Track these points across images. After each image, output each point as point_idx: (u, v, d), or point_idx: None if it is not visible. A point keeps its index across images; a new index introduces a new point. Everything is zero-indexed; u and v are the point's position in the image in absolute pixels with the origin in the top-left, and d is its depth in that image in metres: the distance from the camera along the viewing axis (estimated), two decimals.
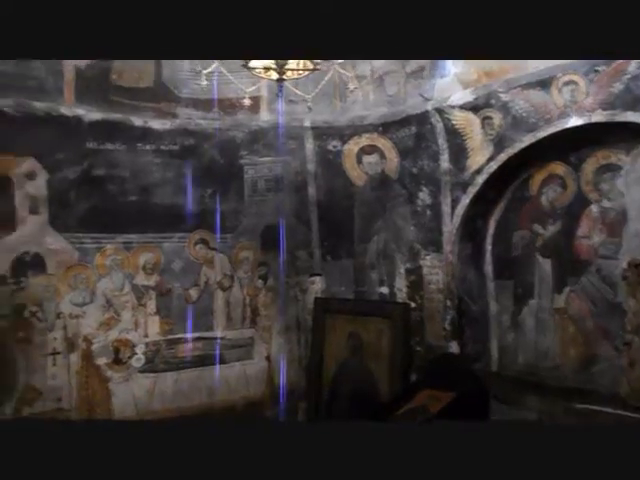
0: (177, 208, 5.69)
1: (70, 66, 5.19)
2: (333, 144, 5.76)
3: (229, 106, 5.67)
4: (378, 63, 5.36)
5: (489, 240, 5.40)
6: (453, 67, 4.84)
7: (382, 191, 5.68)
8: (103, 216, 5.40)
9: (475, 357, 5.32)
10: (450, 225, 5.18)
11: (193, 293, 5.81)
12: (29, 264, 5.02)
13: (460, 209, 5.09)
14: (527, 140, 4.53)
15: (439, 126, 4.98)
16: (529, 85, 4.36)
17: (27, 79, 5.00)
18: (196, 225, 5.81)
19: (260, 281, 6.14)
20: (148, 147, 5.49)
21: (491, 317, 5.41)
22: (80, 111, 5.15)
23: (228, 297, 5.98)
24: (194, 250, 5.82)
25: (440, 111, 4.94)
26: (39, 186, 5.10)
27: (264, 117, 5.73)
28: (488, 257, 5.41)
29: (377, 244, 5.85)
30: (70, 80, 5.19)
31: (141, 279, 5.60)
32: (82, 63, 5.26)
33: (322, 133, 5.73)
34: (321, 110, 5.51)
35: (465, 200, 5.05)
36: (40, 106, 4.97)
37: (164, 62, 5.64)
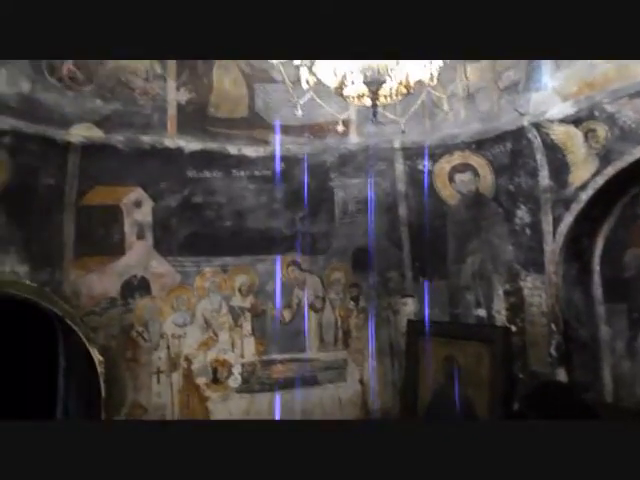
0: (270, 231, 5.85)
1: (173, 102, 5.56)
2: (423, 163, 5.67)
3: (319, 130, 5.78)
4: (470, 79, 5.23)
5: (597, 260, 5.03)
6: (550, 80, 4.61)
7: (477, 210, 5.49)
8: (202, 240, 5.67)
9: (585, 386, 4.92)
10: (552, 244, 4.88)
11: (286, 314, 5.92)
12: (136, 287, 5.38)
13: (563, 227, 4.79)
14: (638, 153, 4.19)
15: (537, 141, 4.75)
16: (638, 94, 4.05)
17: (135, 116, 5.42)
18: (288, 247, 5.94)
19: (352, 303, 6.14)
20: (242, 174, 5.72)
21: (602, 343, 5.00)
22: (181, 142, 5.48)
23: (320, 319, 6.03)
24: (287, 272, 5.94)
25: (538, 126, 4.71)
26: (145, 213, 5.47)
27: (353, 140, 5.78)
28: (596, 278, 5.03)
29: (472, 265, 5.64)
30: (173, 115, 5.56)
31: (237, 301, 5.79)
32: (183, 98, 5.62)
33: (412, 153, 5.67)
34: (410, 130, 5.46)
35: (569, 218, 4.74)
36: (146, 139, 5.35)
37: (257, 92, 5.89)
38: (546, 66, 4.65)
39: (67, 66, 5.20)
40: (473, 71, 5.19)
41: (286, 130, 5.77)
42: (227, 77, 5.94)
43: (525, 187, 4.98)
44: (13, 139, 4.73)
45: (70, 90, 5.17)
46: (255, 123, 5.84)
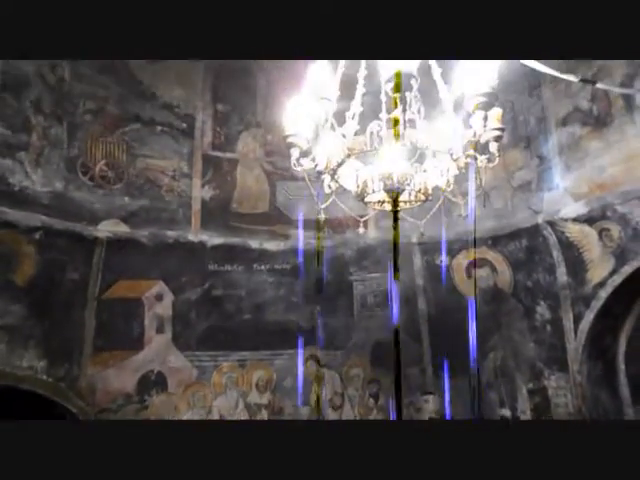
0: (289, 324, 5.85)
1: (198, 198, 5.81)
2: (441, 258, 5.74)
3: (338, 225, 5.94)
4: (484, 178, 5.40)
5: (621, 358, 4.92)
6: (562, 180, 4.77)
7: (496, 305, 5.47)
8: (220, 334, 5.68)
9: None
10: (574, 342, 4.81)
11: (304, 412, 5.76)
12: (153, 382, 5.32)
13: (585, 325, 4.74)
14: None
15: (552, 239, 4.82)
16: None
17: (161, 212, 5.64)
18: (307, 341, 5.90)
19: (371, 400, 5.98)
20: (263, 267, 5.83)
21: None
22: (204, 237, 5.65)
23: (339, 416, 5.86)
24: (305, 367, 5.86)
25: (552, 224, 4.81)
26: (165, 307, 5.54)
27: (371, 234, 5.90)
28: (622, 378, 4.89)
29: (494, 361, 5.53)
30: (197, 210, 5.79)
31: (254, 397, 5.68)
32: (207, 195, 5.87)
33: (430, 248, 5.76)
34: (427, 226, 5.56)
35: (589, 315, 4.71)
36: (171, 234, 5.53)
37: (278, 189, 6.14)
38: (557, 167, 4.82)
39: (99, 165, 5.51)
40: (487, 170, 5.37)
41: (306, 225, 5.93)
42: (250, 175, 6.23)
43: (543, 283, 5.00)
44: (43, 235, 4.92)
45: (101, 188, 5.45)
46: (276, 218, 6.04)
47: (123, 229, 5.39)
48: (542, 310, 5.06)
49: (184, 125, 6.05)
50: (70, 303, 5.12)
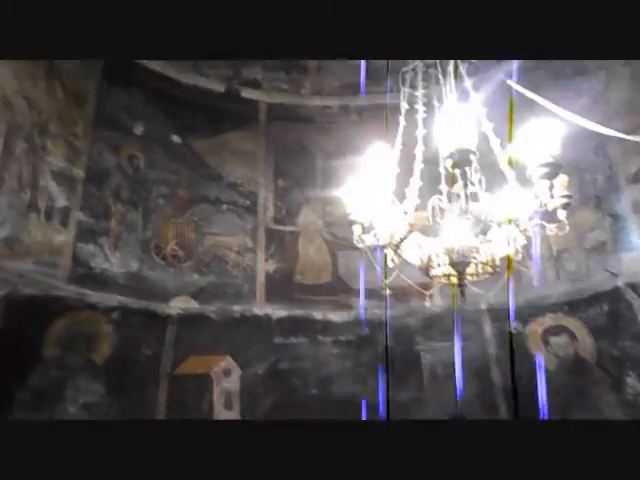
0: (355, 399, 5.69)
1: (262, 272, 5.95)
2: (513, 326, 5.49)
3: (402, 294, 5.84)
4: (554, 241, 5.23)
5: None
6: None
7: (578, 376, 5.11)
8: (286, 409, 5.59)
9: None
10: None
11: None
12: None
13: None
14: None
15: (636, 303, 4.53)
16: None
17: (228, 286, 5.81)
18: (375, 416, 5.70)
19: None
20: (328, 339, 5.78)
21: None
22: (269, 310, 5.73)
23: None
24: None
25: (635, 287, 4.53)
26: (233, 381, 5.56)
27: (437, 302, 5.76)
28: None
29: None
30: (262, 283, 5.91)
31: None
32: (271, 268, 6.01)
33: (500, 315, 5.54)
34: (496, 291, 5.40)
35: None
36: (237, 309, 5.65)
37: (340, 259, 6.18)
38: (633, 226, 4.60)
39: (171, 245, 5.80)
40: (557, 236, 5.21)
41: (370, 294, 5.89)
42: (311, 246, 6.34)
43: (632, 352, 4.64)
44: (120, 314, 5.16)
45: (172, 267, 5.71)
46: (339, 288, 6.05)
47: (193, 305, 5.58)
48: (633, 382, 4.67)
49: (247, 202, 6.32)
50: (144, 380, 5.26)
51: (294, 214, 6.41)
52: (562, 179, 2.89)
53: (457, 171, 2.85)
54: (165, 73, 6.37)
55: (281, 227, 6.30)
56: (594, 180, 5.07)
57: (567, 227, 3.02)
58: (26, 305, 4.57)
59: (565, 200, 2.88)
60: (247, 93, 6.79)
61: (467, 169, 2.84)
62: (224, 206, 6.19)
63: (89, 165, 5.53)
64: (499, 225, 3.07)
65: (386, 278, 3.56)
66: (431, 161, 3.19)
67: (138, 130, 6.11)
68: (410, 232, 3.07)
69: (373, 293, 5.87)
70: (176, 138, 6.34)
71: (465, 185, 2.79)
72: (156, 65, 6.30)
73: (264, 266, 6.04)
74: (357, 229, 3.22)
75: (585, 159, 5.09)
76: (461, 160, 2.72)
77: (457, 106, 2.98)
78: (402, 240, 3.15)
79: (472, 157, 2.76)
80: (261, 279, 5.95)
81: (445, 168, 2.93)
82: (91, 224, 5.34)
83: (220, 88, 6.69)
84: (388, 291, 3.36)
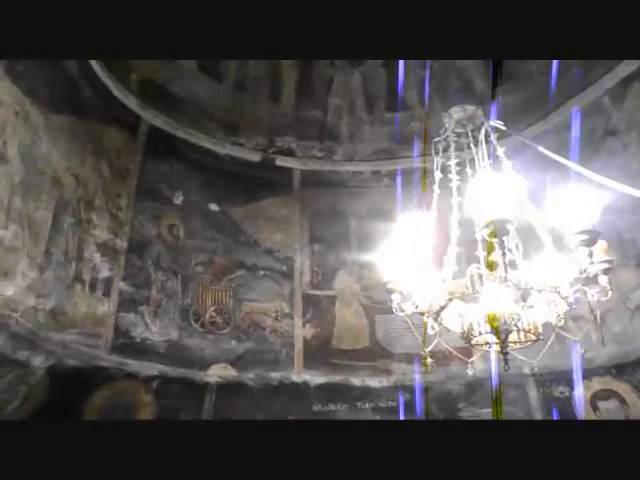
0: None
1: (299, 337, 5.95)
2: (560, 390, 5.29)
3: (442, 358, 5.73)
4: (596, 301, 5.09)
5: None
6: None
7: None
8: None
9: None
10: None
11: None
12: None
13: None
14: None
15: None
16: None
17: (266, 353, 5.81)
18: None
19: None
20: (367, 405, 5.66)
21: None
22: (307, 376, 5.68)
23: None
24: None
25: None
26: None
27: (478, 366, 5.61)
28: None
29: None
30: (299, 350, 5.90)
31: None
32: (308, 334, 6.00)
33: (545, 379, 5.35)
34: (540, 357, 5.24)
35: None
36: (275, 376, 5.62)
37: (377, 323, 6.14)
38: None
39: (209, 312, 5.89)
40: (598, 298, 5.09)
41: (408, 359, 5.80)
42: (348, 310, 6.34)
43: None
44: (160, 383, 5.20)
45: (210, 334, 5.77)
46: (377, 353, 5.98)
47: (231, 373, 5.58)
48: None
49: (284, 267, 6.42)
50: None
51: (330, 278, 6.46)
52: (601, 244, 2.87)
53: (494, 239, 2.87)
54: (203, 145, 6.70)
55: (318, 292, 6.34)
56: (634, 240, 4.99)
57: (609, 292, 2.98)
58: (70, 376, 4.67)
59: (606, 265, 2.86)
60: (281, 161, 7.05)
61: (504, 238, 2.85)
62: (261, 272, 6.29)
63: (131, 236, 5.76)
64: (539, 291, 3.04)
65: (425, 344, 3.53)
66: (467, 224, 3.23)
67: (178, 200, 6.37)
68: (450, 301, 3.06)
69: (412, 358, 5.78)
70: (214, 206, 6.57)
71: (503, 254, 2.79)
72: (195, 137, 6.64)
73: (301, 332, 6.04)
74: (396, 298, 3.24)
75: (623, 219, 5.04)
76: (498, 230, 2.74)
77: (491, 175, 3.04)
78: (442, 308, 3.15)
79: (509, 226, 2.78)
80: (299, 345, 5.94)
81: (482, 238, 2.95)
82: (132, 293, 5.49)
83: (255, 157, 6.97)
84: (430, 360, 3.32)
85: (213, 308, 5.89)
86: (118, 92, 5.87)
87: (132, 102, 6.06)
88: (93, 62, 5.50)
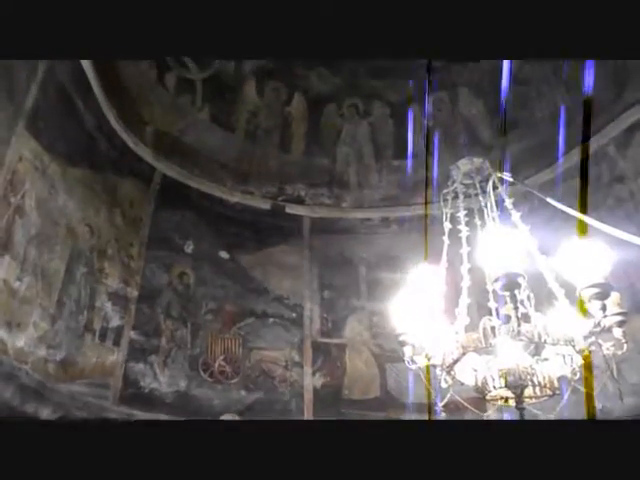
0: None
1: (309, 386, 5.87)
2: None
3: (454, 409, 5.60)
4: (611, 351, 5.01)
5: None
6: None
7: None
8: None
9: None
10: None
11: None
12: None
13: None
14: None
15: None
16: None
17: (275, 403, 5.73)
18: None
19: None
20: None
21: None
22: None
23: None
24: None
25: None
26: None
27: (493, 417, 5.49)
28: None
29: None
30: (309, 400, 5.81)
31: None
32: (318, 383, 5.92)
33: None
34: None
35: None
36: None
37: (388, 372, 6.06)
38: None
39: (218, 361, 5.85)
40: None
41: (420, 409, 5.68)
42: (359, 359, 6.27)
43: None
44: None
45: (219, 383, 5.71)
46: (388, 403, 5.87)
47: None
48: None
49: (294, 314, 6.40)
50: None
51: (340, 326, 6.42)
52: (614, 296, 2.85)
53: (506, 292, 2.87)
54: (214, 193, 6.81)
55: (327, 340, 6.29)
56: None
57: (625, 345, 2.95)
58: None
59: (619, 318, 2.83)
60: (291, 209, 7.14)
61: (516, 292, 2.86)
62: (270, 319, 6.27)
63: (142, 284, 5.80)
64: (554, 344, 3.02)
65: (429, 396, 3.47)
66: (477, 273, 3.23)
67: (189, 248, 6.44)
68: (463, 354, 3.04)
69: (424, 408, 5.67)
70: (224, 254, 6.62)
71: (515, 308, 2.79)
72: (206, 186, 6.77)
73: (311, 381, 5.96)
74: (408, 350, 3.22)
75: (633, 267, 5.01)
76: (509, 283, 2.74)
77: (499, 228, 3.07)
78: (455, 362, 3.12)
79: (520, 280, 2.79)
80: (308, 395, 5.86)
81: (494, 291, 2.96)
82: (142, 342, 5.48)
83: (266, 205, 7.07)
84: (442, 414, 3.27)
85: (222, 357, 5.85)
86: (133, 144, 6.03)
87: (147, 154, 6.22)
88: (111, 117, 5.68)
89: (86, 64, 5.21)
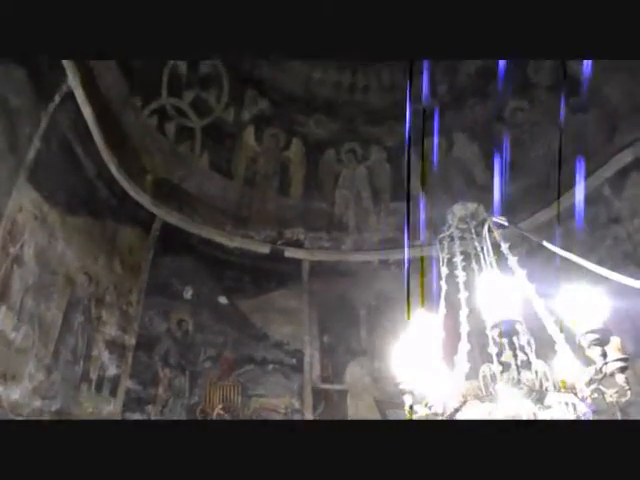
0: None
1: None
2: None
3: None
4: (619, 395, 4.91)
5: None
6: None
7: None
8: None
9: None
10: None
11: None
12: None
13: None
14: None
15: None
16: None
17: None
18: None
19: None
20: None
21: None
22: None
23: None
24: None
25: None
26: None
27: None
28: None
29: None
30: None
31: None
32: None
33: None
34: None
35: None
36: None
37: (390, 418, 5.91)
38: None
39: (217, 410, 5.74)
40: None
41: None
42: (361, 404, 6.14)
43: None
44: None
45: None
46: None
47: None
48: None
49: (294, 360, 6.31)
50: None
51: (341, 372, 6.32)
52: (614, 342, 2.82)
53: (505, 340, 2.84)
54: (213, 238, 6.84)
55: (328, 386, 6.18)
56: None
57: (628, 393, 2.89)
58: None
59: (620, 364, 2.79)
60: (290, 253, 7.15)
61: (514, 337, 2.83)
62: (270, 366, 6.18)
63: (140, 332, 5.75)
64: (556, 390, 2.97)
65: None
66: (478, 315, 3.20)
67: (188, 294, 6.41)
68: (464, 403, 2.98)
69: None
70: (223, 299, 6.59)
71: (515, 355, 2.75)
72: (205, 232, 6.80)
73: None
74: (408, 399, 3.16)
75: (634, 308, 4.97)
76: (506, 331, 2.72)
77: (496, 275, 3.06)
78: (456, 411, 3.06)
79: (518, 326, 2.77)
80: None
81: (493, 338, 2.92)
82: (139, 392, 5.39)
83: (265, 249, 7.08)
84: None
85: (220, 406, 5.74)
86: (133, 192, 6.10)
87: (146, 201, 6.28)
88: (112, 166, 5.76)
89: (88, 114, 5.31)
